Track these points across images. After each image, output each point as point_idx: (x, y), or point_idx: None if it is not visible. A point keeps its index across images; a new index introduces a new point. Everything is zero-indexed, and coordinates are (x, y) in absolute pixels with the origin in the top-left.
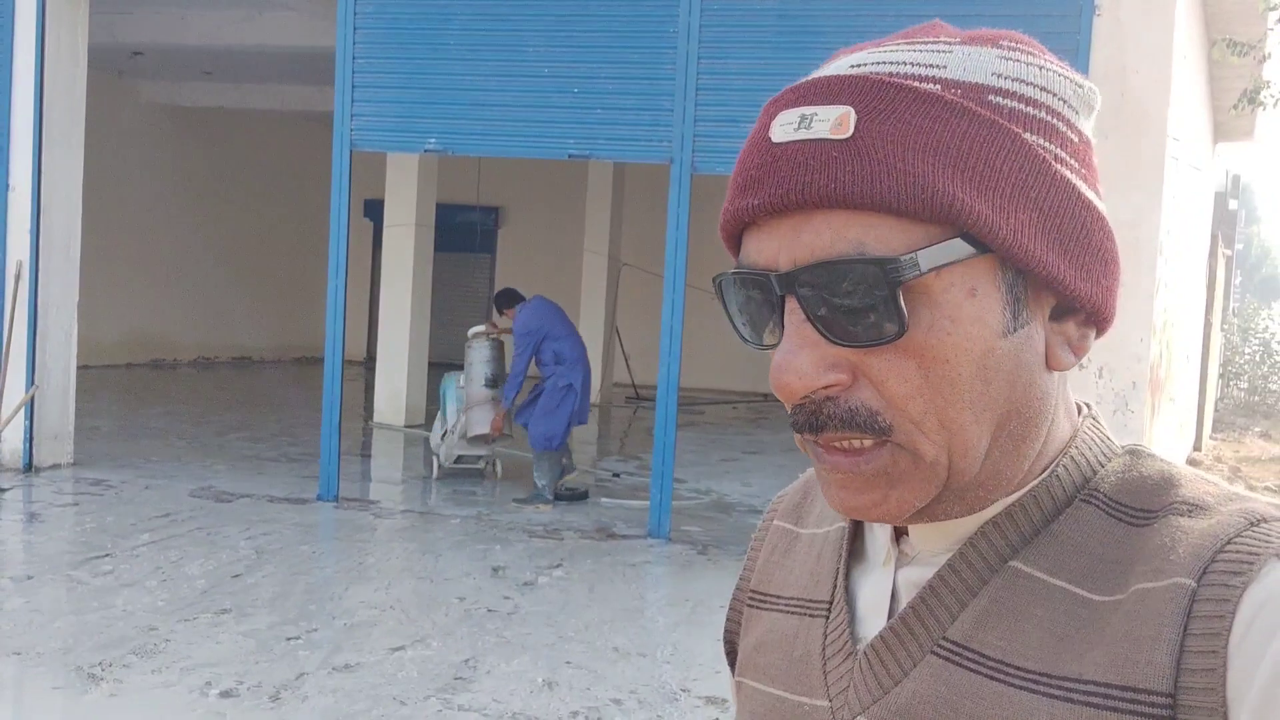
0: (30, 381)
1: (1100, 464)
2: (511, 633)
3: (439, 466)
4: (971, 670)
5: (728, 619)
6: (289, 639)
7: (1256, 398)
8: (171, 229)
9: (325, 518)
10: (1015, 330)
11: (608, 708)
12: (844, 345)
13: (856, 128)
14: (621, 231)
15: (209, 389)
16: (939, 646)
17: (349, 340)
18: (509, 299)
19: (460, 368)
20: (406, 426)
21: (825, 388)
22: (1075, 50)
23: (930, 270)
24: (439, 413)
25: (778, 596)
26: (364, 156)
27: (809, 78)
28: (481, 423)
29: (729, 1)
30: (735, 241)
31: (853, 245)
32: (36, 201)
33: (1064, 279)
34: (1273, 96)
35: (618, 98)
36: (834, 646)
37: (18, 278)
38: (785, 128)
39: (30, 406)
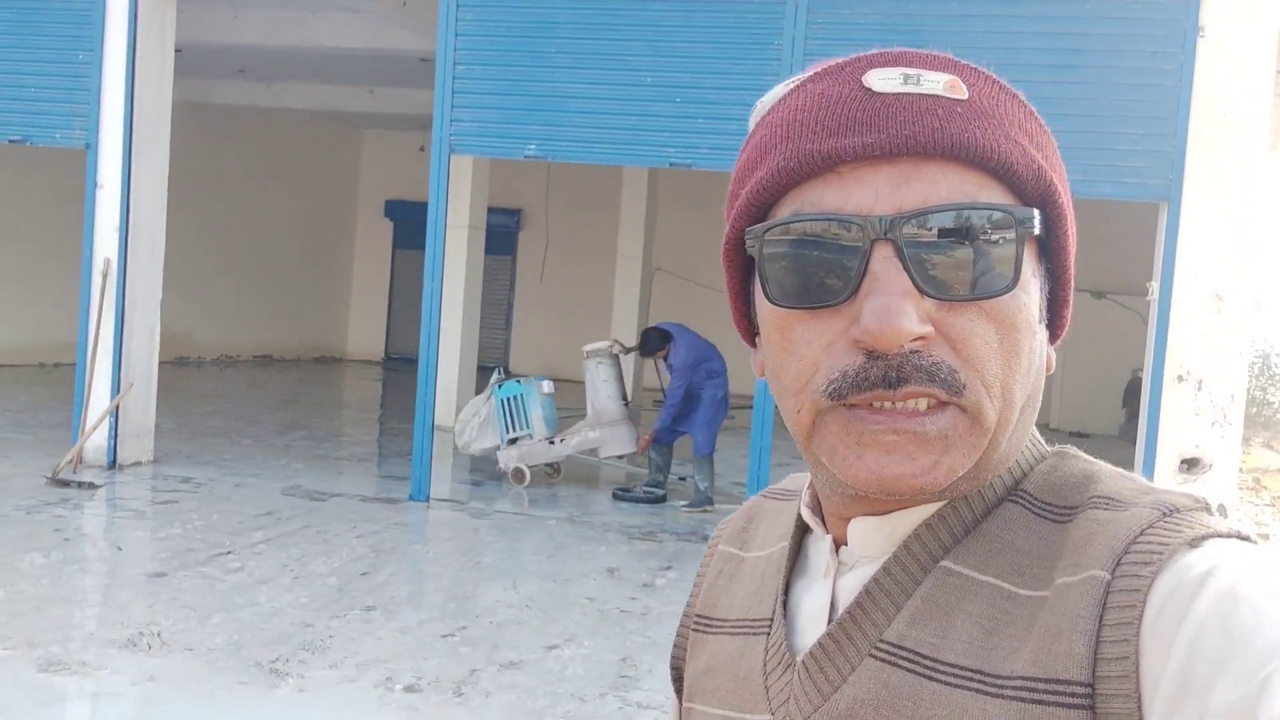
0: (116, 378)
1: (1031, 465)
2: (654, 633)
3: (521, 472)
4: (907, 670)
5: (674, 645)
6: (444, 636)
7: (1255, 409)
8: (195, 227)
9: (424, 518)
10: (1040, 321)
11: None
12: (940, 298)
13: (970, 93)
14: (655, 235)
15: (245, 388)
16: (876, 649)
17: (368, 340)
18: (661, 340)
19: (495, 371)
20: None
21: (916, 340)
22: (1179, 70)
23: (1036, 234)
24: (500, 418)
25: (724, 620)
26: (380, 154)
27: (882, 51)
28: (623, 443)
29: (833, 13)
30: (768, 199)
31: (968, 199)
32: (125, 200)
33: (1069, 283)
34: None
35: (720, 107)
36: (774, 660)
37: (105, 275)
38: (888, 81)
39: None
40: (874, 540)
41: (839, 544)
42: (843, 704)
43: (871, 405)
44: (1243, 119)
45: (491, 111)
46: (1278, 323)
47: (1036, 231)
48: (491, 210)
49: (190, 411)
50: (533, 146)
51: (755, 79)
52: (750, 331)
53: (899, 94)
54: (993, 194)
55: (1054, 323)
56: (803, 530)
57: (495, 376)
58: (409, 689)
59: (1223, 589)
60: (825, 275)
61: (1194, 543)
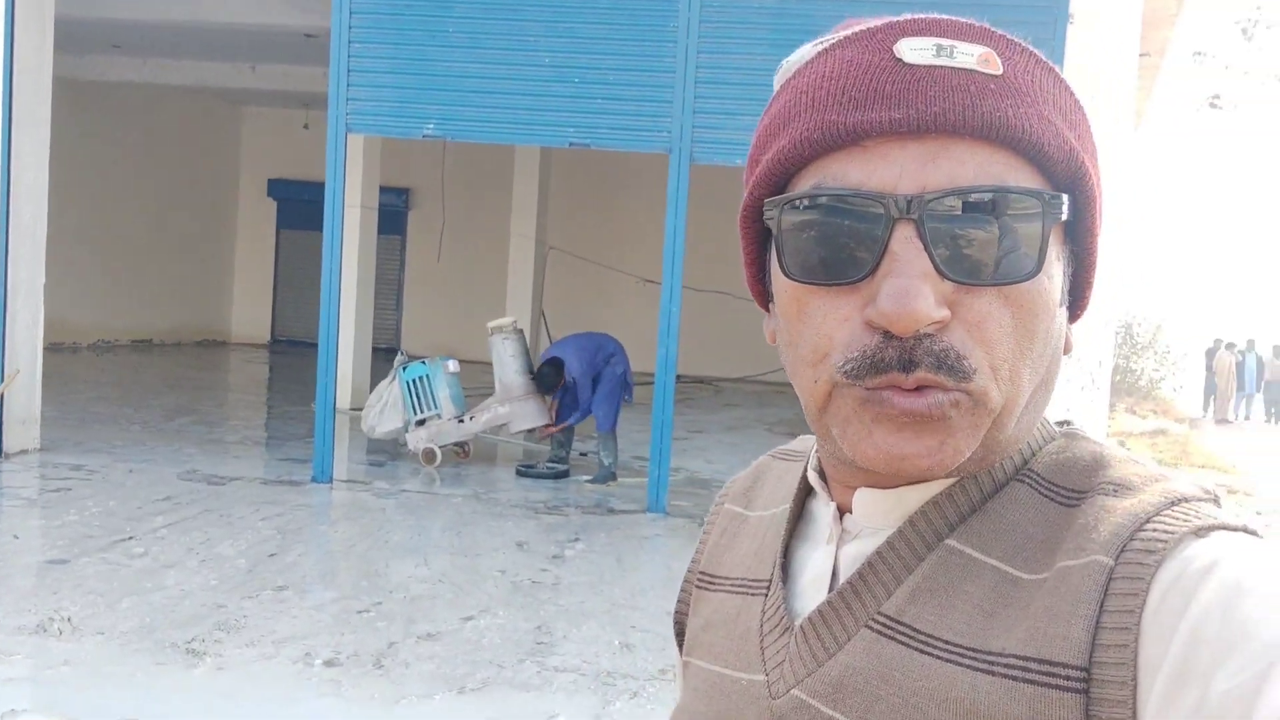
0: (0, 366)
1: (1039, 446)
2: (566, 601)
3: (432, 452)
4: (902, 644)
5: (678, 600)
6: (359, 612)
7: (1119, 376)
8: (68, 208)
9: (328, 499)
10: (1061, 303)
11: None
12: (960, 281)
13: (1005, 68)
14: (548, 214)
15: (127, 373)
16: (873, 621)
17: (253, 323)
18: (557, 372)
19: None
20: (352, 409)
21: (933, 323)
22: (1051, 55)
23: (1064, 219)
24: (407, 399)
25: (725, 578)
26: (262, 132)
27: (916, 16)
28: (533, 417)
29: None
30: (788, 168)
31: (996, 180)
32: (5, 183)
33: (1094, 265)
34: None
35: (618, 88)
36: (771, 622)
37: None
38: (921, 52)
39: None
40: (878, 511)
41: (843, 511)
42: (835, 671)
43: (884, 387)
44: (1110, 101)
45: (388, 90)
46: (1139, 295)
47: (1065, 216)
48: (381, 189)
49: (72, 398)
50: (431, 126)
51: (652, 60)
52: (764, 297)
53: (931, 66)
54: (1022, 175)
55: (1075, 304)
56: (805, 493)
57: (399, 359)
58: (329, 663)
59: (1227, 581)
60: (844, 252)
61: (1200, 533)
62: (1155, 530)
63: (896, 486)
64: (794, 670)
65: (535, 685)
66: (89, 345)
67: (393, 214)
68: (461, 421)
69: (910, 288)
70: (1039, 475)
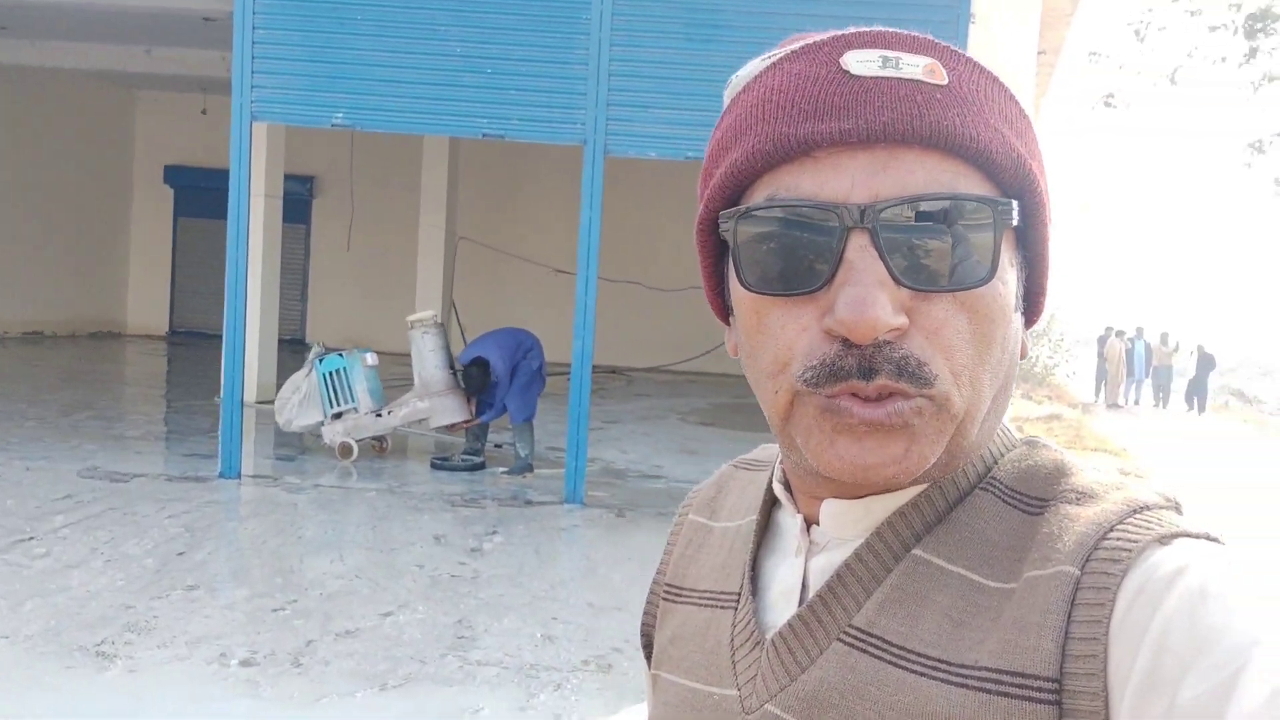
0: None
1: (1001, 454)
2: (486, 595)
3: (349, 446)
4: (875, 656)
5: (645, 612)
6: (274, 610)
7: None
8: None
9: (237, 495)
10: (1016, 309)
11: (611, 655)
12: (916, 288)
13: (950, 78)
14: (458, 204)
15: (18, 367)
16: (844, 634)
17: (150, 314)
18: (483, 372)
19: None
20: (259, 403)
21: (891, 330)
22: None
23: (1014, 224)
24: (323, 393)
25: (691, 590)
26: (157, 118)
27: (861, 30)
28: (453, 412)
29: None
30: (741, 180)
31: (946, 188)
32: None
33: (1047, 270)
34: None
35: (531, 79)
36: (741, 636)
37: None
38: (867, 64)
39: None
40: (846, 522)
41: (810, 523)
42: (809, 685)
43: (845, 396)
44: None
45: (295, 78)
46: None
47: (1015, 222)
48: (285, 177)
49: None
50: (340, 115)
51: (564, 52)
52: (724, 310)
53: (877, 78)
54: (971, 182)
55: (1030, 309)
56: (770, 503)
57: (315, 350)
58: (245, 663)
59: (1192, 588)
60: (800, 262)
61: (1164, 540)
62: (1119, 539)
63: (863, 496)
64: (767, 685)
65: (458, 680)
66: None
67: (297, 202)
68: (379, 416)
69: (867, 295)
70: (1002, 483)
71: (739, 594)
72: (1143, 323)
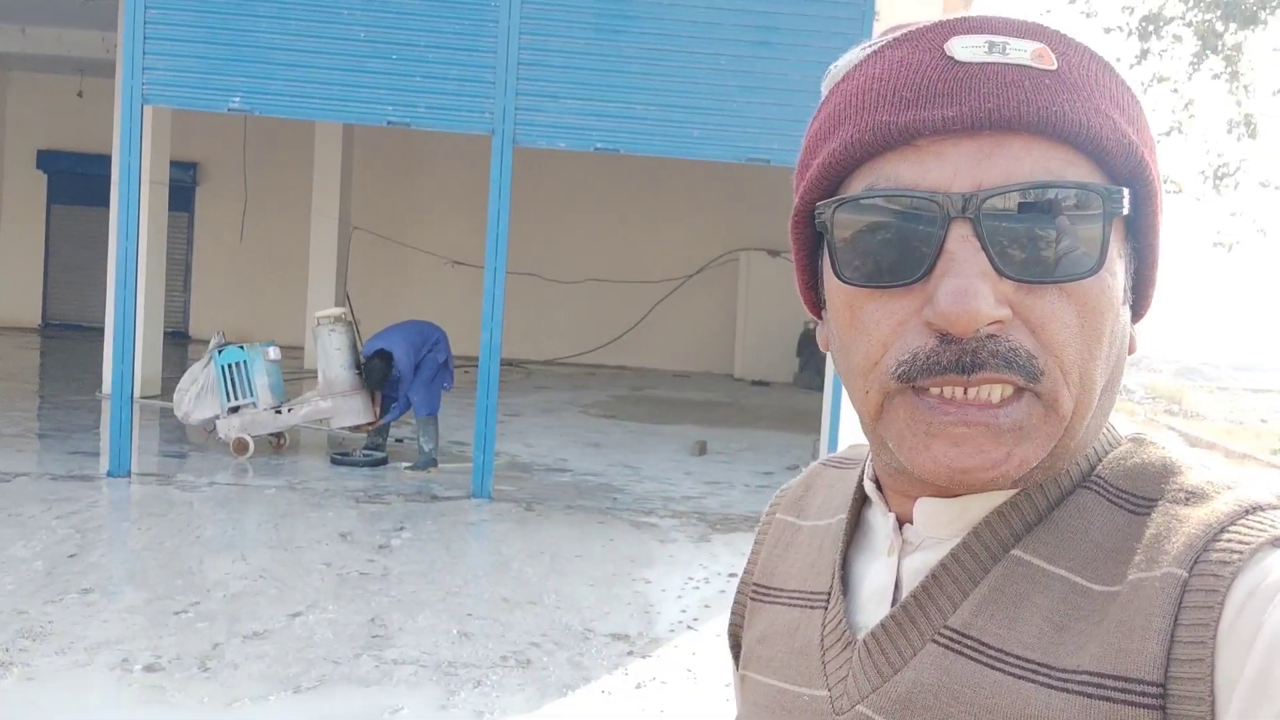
0: None
1: (1105, 451)
2: (397, 592)
3: (244, 442)
4: (970, 659)
5: (732, 613)
6: (176, 613)
7: None
8: None
9: (127, 494)
10: (1124, 302)
11: (529, 650)
12: (1019, 280)
13: (1059, 63)
14: (352, 193)
15: None
16: (939, 635)
17: (21, 306)
18: (385, 365)
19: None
20: (144, 397)
21: (993, 323)
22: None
23: (1124, 213)
24: (221, 385)
25: (780, 589)
26: (30, 99)
27: (966, 15)
28: (357, 414)
29: None
30: (840, 171)
31: (1054, 176)
32: None
33: (1157, 261)
34: None
35: (438, 67)
36: (832, 636)
37: None
38: (973, 49)
39: None
40: (940, 522)
41: (902, 521)
42: (902, 687)
43: (942, 394)
44: None
45: (189, 60)
46: None
47: (1125, 211)
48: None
49: None
50: (237, 100)
51: (472, 40)
52: (816, 305)
53: (983, 63)
54: (1080, 170)
55: (1139, 301)
56: (860, 501)
57: (215, 341)
58: (149, 668)
59: None
60: (899, 253)
61: (1276, 543)
62: (1230, 541)
63: (959, 495)
64: (858, 686)
65: (375, 679)
66: None
67: (180, 190)
68: (279, 413)
69: (969, 287)
70: (1107, 482)
71: (829, 593)
72: None
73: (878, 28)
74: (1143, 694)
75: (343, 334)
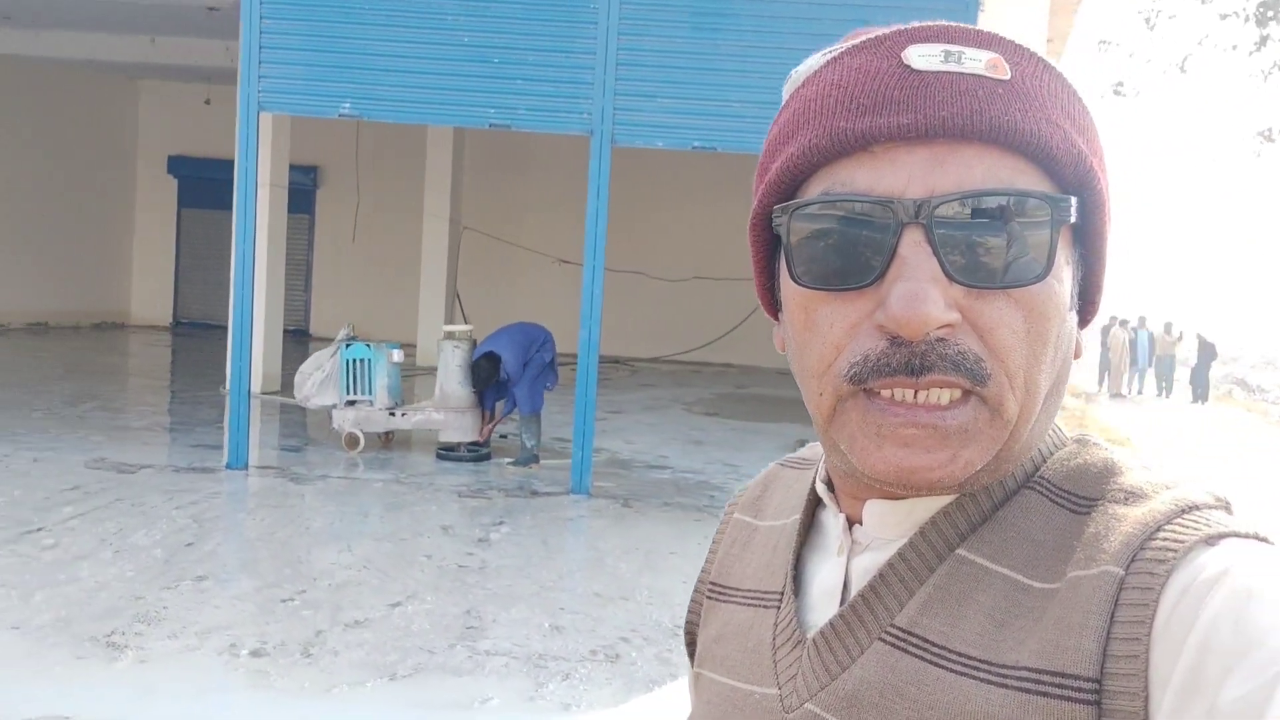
0: None
1: (1050, 453)
2: (494, 585)
3: (355, 438)
4: (915, 656)
5: (689, 610)
6: (283, 601)
7: None
8: None
9: (244, 486)
10: (1070, 308)
11: (619, 644)
12: (969, 285)
13: (1012, 73)
14: (462, 194)
15: (23, 358)
16: (886, 633)
17: (154, 305)
18: (493, 367)
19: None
20: (264, 393)
21: (942, 327)
22: None
23: (1072, 221)
24: (343, 378)
25: (735, 589)
26: (161, 108)
27: (924, 24)
28: (465, 431)
29: None
30: (797, 175)
31: (1004, 184)
32: None
33: (1104, 268)
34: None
35: (538, 69)
36: (783, 635)
37: None
38: (929, 58)
39: None
40: (889, 523)
41: (853, 522)
42: (849, 684)
43: (892, 397)
44: None
45: (302, 68)
46: None
47: (1073, 219)
48: (289, 167)
49: None
50: (347, 105)
51: (571, 42)
52: (774, 306)
53: (939, 72)
54: (1030, 179)
55: (1085, 308)
56: (815, 503)
57: (344, 333)
58: (255, 653)
59: (1237, 588)
60: (852, 257)
61: (1210, 541)
62: (1166, 539)
63: (907, 498)
64: (807, 684)
65: (467, 670)
66: None
67: (301, 192)
68: (393, 414)
69: (919, 291)
70: (1050, 482)
71: (782, 593)
72: (1145, 312)
73: (983, 19)
74: (1079, 689)
75: (465, 351)
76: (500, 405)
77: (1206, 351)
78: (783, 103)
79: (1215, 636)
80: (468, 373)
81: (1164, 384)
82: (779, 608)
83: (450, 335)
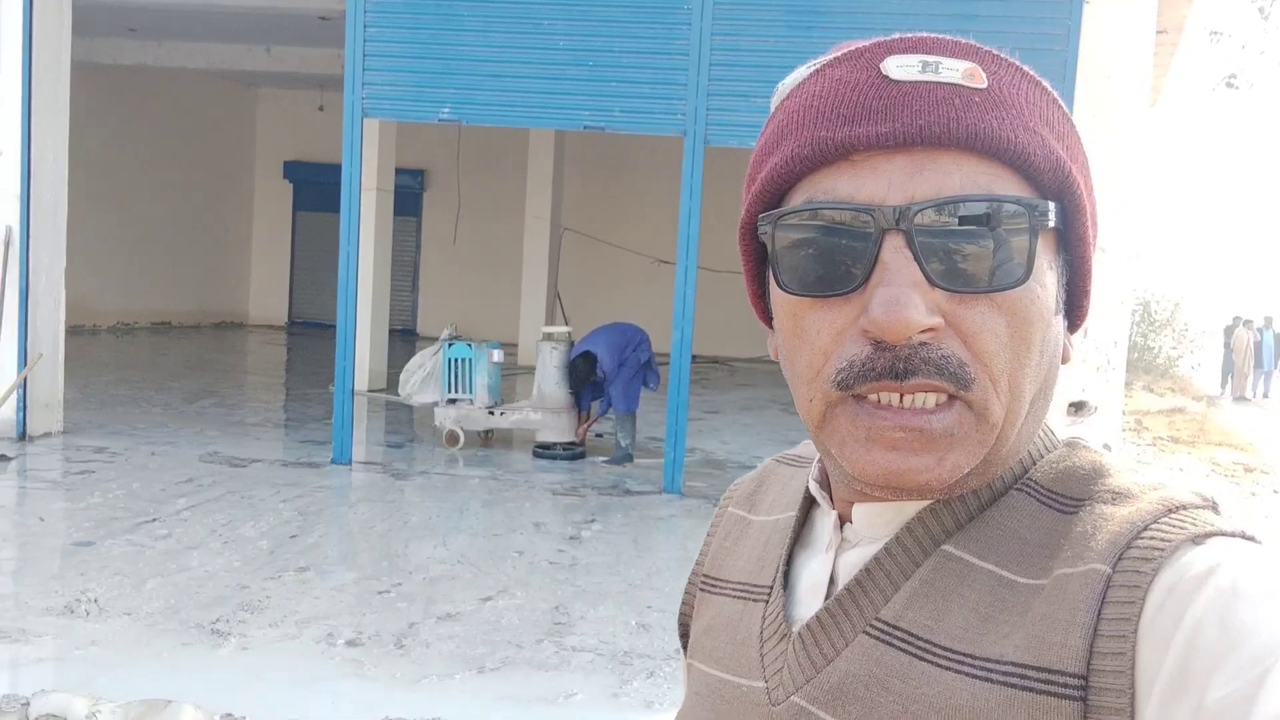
0: (23, 349)
1: (1040, 455)
2: (583, 582)
3: (455, 435)
4: (900, 650)
5: (683, 602)
6: (380, 593)
7: (1135, 355)
8: (85, 192)
9: (347, 480)
10: (1056, 312)
11: None
12: (950, 289)
13: (990, 82)
14: (563, 195)
15: (147, 356)
16: (871, 627)
17: (271, 305)
18: (589, 367)
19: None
20: (370, 391)
21: (925, 331)
22: (1066, 35)
23: (1051, 226)
24: (445, 376)
25: (726, 581)
26: (277, 114)
27: (905, 36)
28: (561, 431)
29: None
30: (781, 185)
31: (982, 190)
32: (26, 166)
33: (1089, 273)
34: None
35: (632, 71)
36: (770, 629)
37: (7, 243)
38: (906, 69)
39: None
40: (878, 522)
41: (844, 520)
42: (834, 677)
43: (879, 401)
44: (1125, 80)
45: (403, 75)
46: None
47: (1052, 224)
48: (396, 171)
49: (94, 380)
50: (447, 110)
51: (665, 43)
52: (766, 314)
53: (916, 82)
54: (1009, 185)
55: (1073, 312)
56: (810, 501)
57: (447, 332)
58: (350, 643)
59: (1223, 586)
60: (836, 264)
61: (1197, 540)
62: (1153, 538)
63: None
64: (793, 677)
65: (553, 665)
66: (109, 328)
67: (408, 195)
68: (492, 413)
69: (900, 296)
70: (1038, 484)
71: (771, 587)
72: (1272, 312)
73: (1088, 12)
74: (1065, 685)
75: (563, 352)
76: (596, 405)
77: None
78: (769, 114)
79: (1202, 635)
80: (565, 373)
81: None
82: (767, 601)
83: (549, 336)
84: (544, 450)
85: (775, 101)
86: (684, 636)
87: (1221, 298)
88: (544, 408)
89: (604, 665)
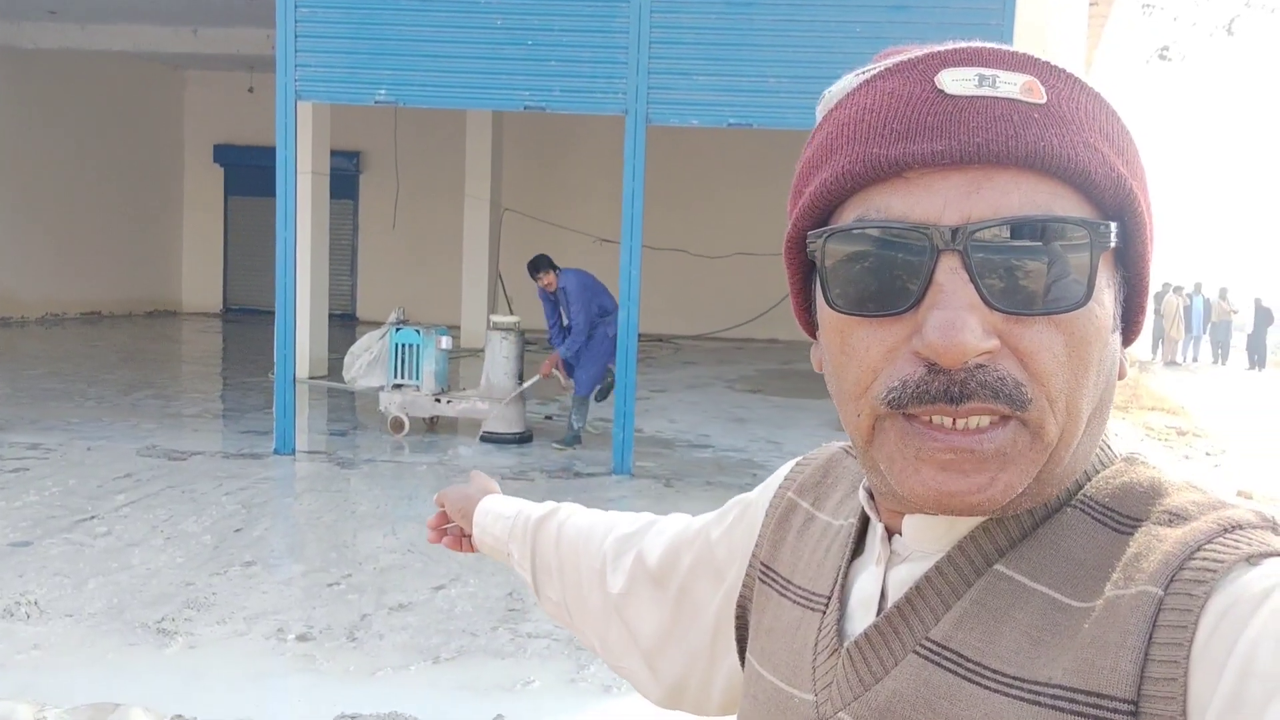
0: None
1: (1097, 470)
2: None
3: (401, 422)
4: (949, 671)
5: (743, 584)
6: (329, 585)
7: None
8: (9, 179)
9: (291, 471)
10: (1113, 330)
11: None
12: (1007, 311)
13: (1048, 96)
14: (502, 176)
15: (78, 347)
16: (920, 646)
17: (204, 292)
18: (547, 263)
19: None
20: (311, 378)
21: (982, 354)
22: (1001, 8)
23: (1112, 246)
24: (391, 361)
25: (788, 581)
26: (205, 97)
27: (958, 45)
28: (509, 422)
29: None
30: (831, 200)
31: (1042, 210)
32: None
33: (1146, 289)
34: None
35: (572, 49)
36: (824, 642)
37: None
38: (963, 83)
39: None
40: (928, 536)
41: (892, 533)
42: (882, 696)
43: (930, 420)
44: (1061, 53)
45: (338, 56)
46: None
47: (1113, 244)
48: (331, 153)
49: (23, 374)
50: (383, 91)
51: (606, 20)
52: (811, 326)
53: (973, 97)
54: (1068, 204)
55: (1129, 328)
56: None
57: (394, 316)
58: (301, 638)
59: (1278, 609)
60: (888, 283)
61: (1253, 560)
62: (1206, 559)
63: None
64: (841, 693)
65: (509, 652)
66: (37, 319)
67: (344, 178)
68: (438, 400)
69: (956, 319)
70: (1094, 500)
71: (829, 597)
72: (1201, 278)
73: None
74: (1115, 710)
75: (512, 343)
76: (558, 356)
77: (1263, 317)
78: (816, 123)
79: (1257, 659)
80: (515, 364)
81: (1220, 351)
82: (824, 612)
83: (498, 327)
84: (492, 435)
85: (821, 111)
86: (740, 618)
87: (1152, 264)
88: (491, 398)
89: (560, 651)
